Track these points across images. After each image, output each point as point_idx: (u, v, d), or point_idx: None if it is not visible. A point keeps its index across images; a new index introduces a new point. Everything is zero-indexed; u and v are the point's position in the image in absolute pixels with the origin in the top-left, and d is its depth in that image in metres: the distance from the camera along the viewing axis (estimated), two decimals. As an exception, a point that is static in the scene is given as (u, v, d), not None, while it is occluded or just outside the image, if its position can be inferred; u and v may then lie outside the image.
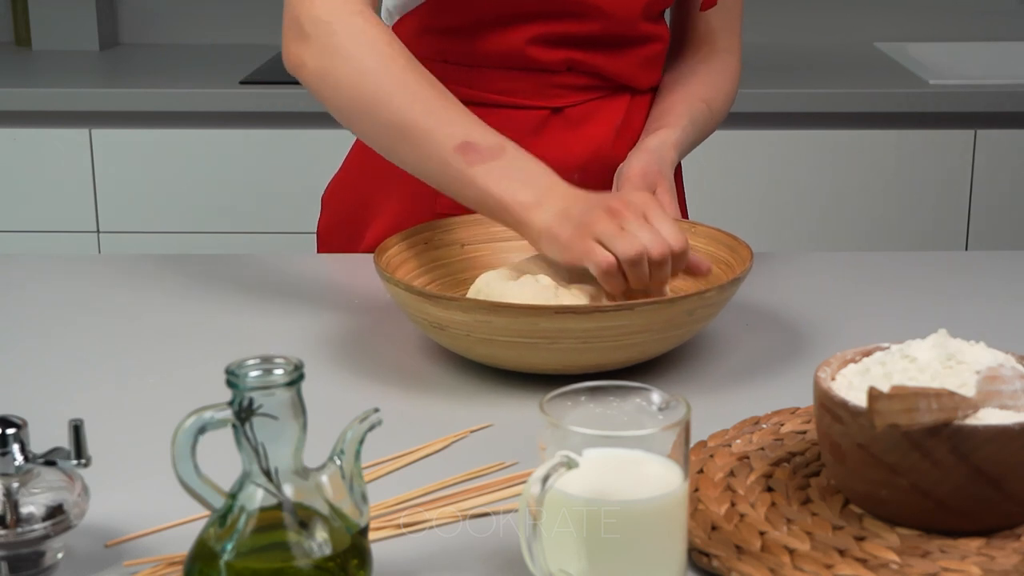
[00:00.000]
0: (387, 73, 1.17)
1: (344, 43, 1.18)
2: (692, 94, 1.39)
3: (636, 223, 1.05)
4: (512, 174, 1.11)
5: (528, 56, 1.33)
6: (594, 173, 1.34)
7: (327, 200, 1.51)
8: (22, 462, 0.78)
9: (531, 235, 1.10)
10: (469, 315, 1.02)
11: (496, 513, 0.87)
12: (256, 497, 0.72)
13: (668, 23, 1.46)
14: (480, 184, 1.12)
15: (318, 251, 1.51)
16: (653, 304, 1.02)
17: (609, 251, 1.05)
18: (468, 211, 1.20)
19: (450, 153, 1.13)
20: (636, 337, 1.03)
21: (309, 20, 1.19)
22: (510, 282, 1.11)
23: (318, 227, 1.51)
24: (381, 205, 1.41)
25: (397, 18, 1.38)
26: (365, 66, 1.17)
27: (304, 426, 0.73)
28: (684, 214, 1.48)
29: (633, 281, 1.06)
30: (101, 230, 2.50)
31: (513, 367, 1.07)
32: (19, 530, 0.77)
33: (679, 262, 1.07)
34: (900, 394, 0.78)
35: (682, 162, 1.40)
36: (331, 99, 1.20)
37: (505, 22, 1.31)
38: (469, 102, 1.34)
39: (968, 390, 0.81)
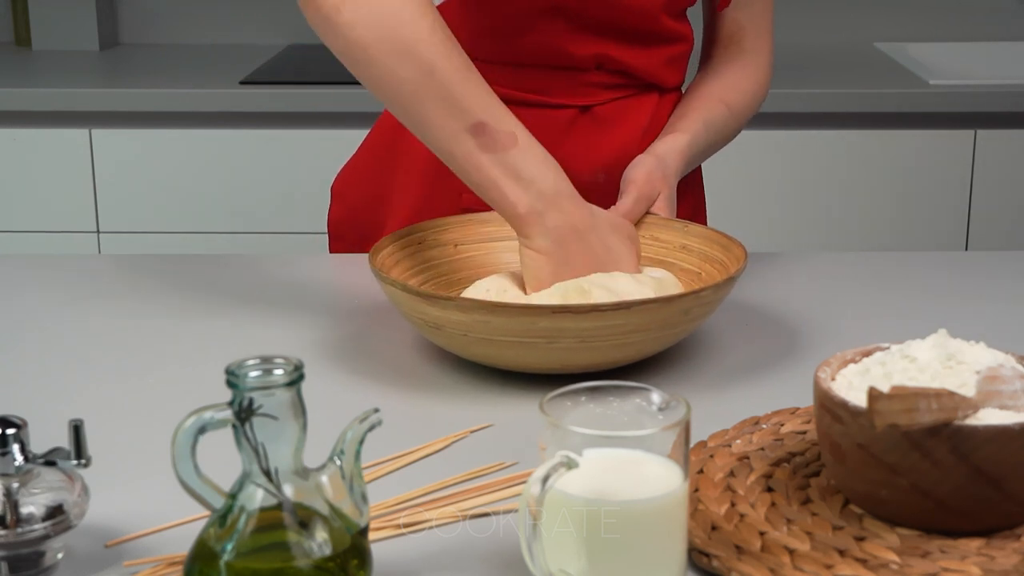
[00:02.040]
0: (430, 26, 1.12)
1: None
2: (711, 96, 1.40)
3: None
4: (521, 171, 1.12)
5: (562, 50, 1.33)
6: (620, 173, 1.34)
7: (338, 190, 1.49)
8: (22, 462, 0.78)
9: (524, 242, 1.12)
10: (467, 315, 1.02)
11: (496, 513, 0.87)
12: (256, 497, 0.72)
13: (691, 24, 1.45)
14: (486, 172, 1.12)
15: (330, 246, 1.49)
16: (650, 303, 1.02)
17: None
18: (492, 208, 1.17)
19: (464, 130, 1.11)
20: (633, 336, 1.03)
21: None
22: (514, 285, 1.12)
23: (329, 220, 1.49)
24: (400, 200, 1.40)
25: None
26: (408, 12, 1.12)
27: (304, 426, 0.73)
28: (703, 219, 1.48)
29: None
30: (101, 230, 2.50)
31: (511, 367, 1.07)
32: (19, 530, 0.77)
33: None
34: (900, 394, 0.78)
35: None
36: (360, 39, 1.13)
37: (541, 14, 1.31)
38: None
39: (968, 390, 0.81)
